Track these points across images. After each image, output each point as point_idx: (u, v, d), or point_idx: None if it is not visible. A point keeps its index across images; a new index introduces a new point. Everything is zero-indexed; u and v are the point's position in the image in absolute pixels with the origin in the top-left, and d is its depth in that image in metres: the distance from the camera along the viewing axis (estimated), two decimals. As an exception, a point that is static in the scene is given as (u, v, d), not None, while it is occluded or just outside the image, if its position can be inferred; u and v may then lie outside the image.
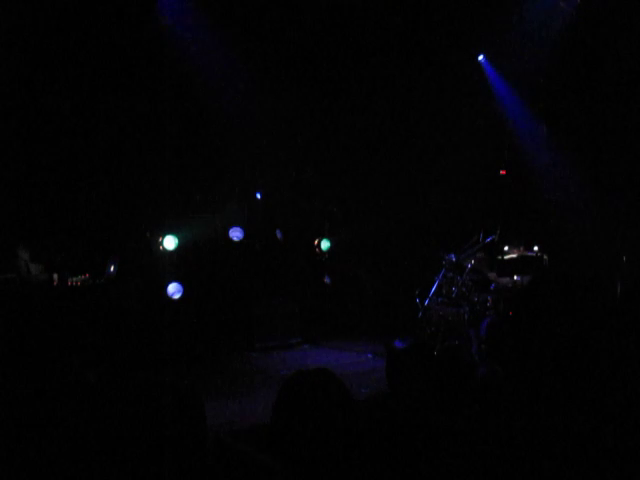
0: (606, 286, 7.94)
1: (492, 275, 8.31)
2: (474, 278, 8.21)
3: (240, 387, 6.94)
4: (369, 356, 8.31)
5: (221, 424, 5.20)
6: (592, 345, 1.93)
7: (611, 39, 8.78)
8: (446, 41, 9.51)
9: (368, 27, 9.54)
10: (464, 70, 9.88)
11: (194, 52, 9.13)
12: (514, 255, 8.47)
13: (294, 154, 10.32)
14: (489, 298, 7.78)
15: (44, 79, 8.27)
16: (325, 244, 10.31)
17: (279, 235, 10.14)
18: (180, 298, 8.79)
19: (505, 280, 8.16)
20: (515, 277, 8.11)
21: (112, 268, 7.89)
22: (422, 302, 8.47)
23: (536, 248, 8.56)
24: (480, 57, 10.38)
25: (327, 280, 10.27)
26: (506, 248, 8.55)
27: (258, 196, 10.23)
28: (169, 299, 8.69)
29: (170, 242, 8.81)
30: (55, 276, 7.54)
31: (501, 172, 9.88)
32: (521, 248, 8.57)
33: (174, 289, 8.77)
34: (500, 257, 8.43)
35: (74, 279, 7.49)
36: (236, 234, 9.69)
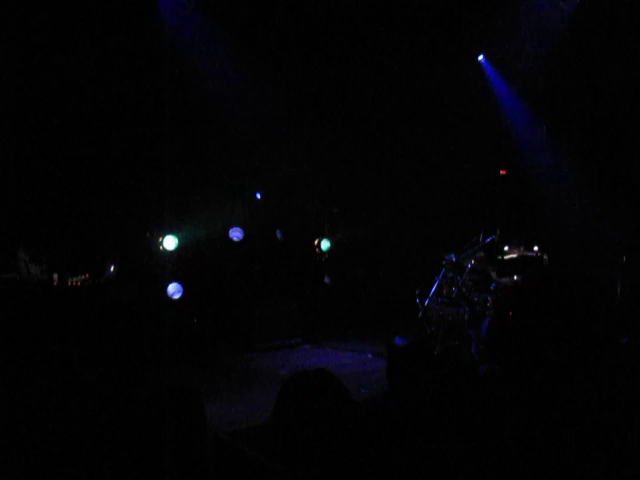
0: (602, 284, 7.94)
1: (495, 274, 8.31)
2: (474, 278, 8.21)
3: (240, 387, 6.93)
4: (369, 356, 8.31)
5: (221, 424, 5.19)
6: (589, 342, 1.93)
7: (611, 39, 8.78)
8: (446, 41, 9.52)
9: (368, 27, 9.54)
10: (464, 70, 9.89)
11: (194, 52, 9.13)
12: (514, 255, 8.47)
13: (294, 154, 10.32)
14: (489, 298, 7.78)
15: (44, 79, 8.27)
16: (325, 244, 10.31)
17: (279, 235, 10.14)
18: (180, 298, 8.79)
19: (505, 280, 8.17)
20: (515, 277, 8.11)
21: (112, 268, 7.88)
22: (422, 302, 8.47)
23: (536, 248, 8.56)
24: (480, 57, 10.39)
25: (327, 280, 10.27)
26: (506, 248, 8.56)
27: (258, 196, 10.23)
28: (169, 299, 8.68)
29: (170, 242, 8.81)
30: (55, 276, 7.54)
31: (501, 172, 9.89)
32: (521, 248, 8.58)
33: (174, 289, 8.77)
34: (500, 257, 8.44)
35: (74, 279, 7.49)
36: (236, 234, 9.69)
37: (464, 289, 8.14)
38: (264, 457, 1.93)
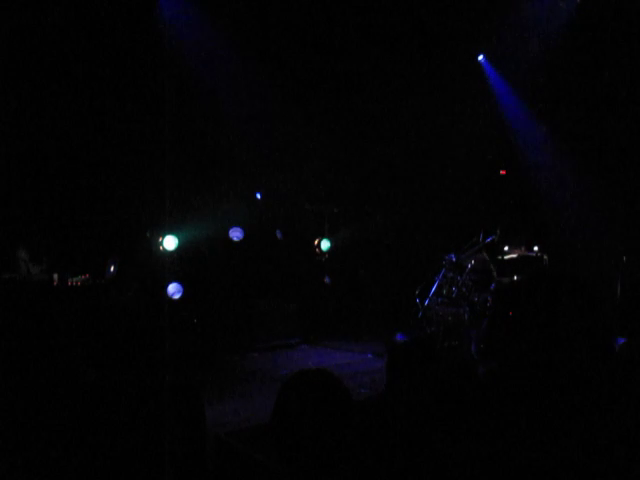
0: (598, 286, 7.94)
1: (495, 274, 8.31)
2: (474, 278, 8.21)
3: (240, 387, 6.93)
4: (369, 356, 8.31)
5: (221, 424, 5.20)
6: (586, 343, 1.93)
7: (611, 39, 8.77)
8: (446, 41, 9.51)
9: (368, 27, 9.54)
10: (464, 70, 9.89)
11: (194, 51, 9.13)
12: (514, 255, 8.48)
13: (294, 154, 10.32)
14: (489, 298, 7.78)
15: (43, 79, 8.27)
16: (325, 244, 10.31)
17: (279, 235, 10.14)
18: (180, 298, 8.79)
19: (505, 280, 8.17)
20: (515, 277, 8.11)
21: (112, 268, 7.88)
22: (422, 302, 8.47)
23: (536, 248, 8.56)
24: (480, 57, 10.39)
25: (327, 280, 10.27)
26: (506, 248, 8.56)
27: (258, 196, 10.23)
28: (169, 299, 8.68)
29: (170, 242, 8.81)
30: (55, 276, 7.54)
31: (501, 172, 9.88)
32: (522, 248, 8.58)
33: (174, 289, 8.77)
34: (500, 257, 8.44)
35: (74, 279, 7.48)
36: (236, 234, 9.69)
37: (464, 289, 8.14)
38: (264, 457, 1.94)
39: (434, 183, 10.35)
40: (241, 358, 8.49)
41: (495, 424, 1.91)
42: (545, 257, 8.42)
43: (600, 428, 1.84)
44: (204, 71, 9.27)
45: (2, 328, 6.26)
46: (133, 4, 8.51)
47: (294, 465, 1.78)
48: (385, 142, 10.60)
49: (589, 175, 9.32)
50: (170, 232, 8.82)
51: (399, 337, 2.70)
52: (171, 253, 8.88)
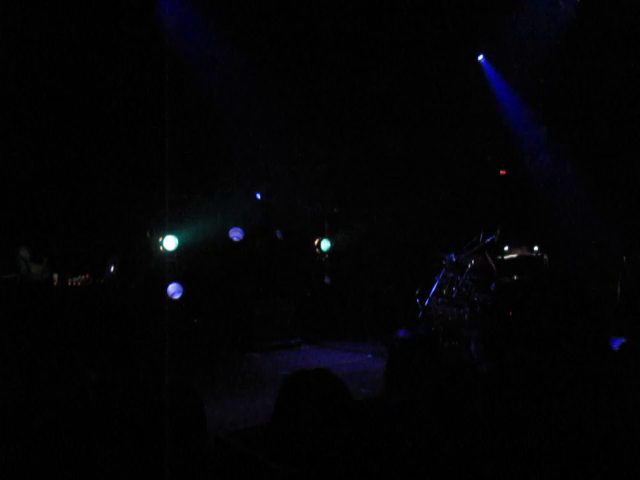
0: (596, 286, 7.94)
1: (495, 274, 8.31)
2: (474, 278, 8.22)
3: (240, 387, 6.93)
4: (369, 356, 8.31)
5: (221, 424, 5.20)
6: (583, 343, 1.93)
7: (611, 39, 8.78)
8: (446, 41, 9.52)
9: (368, 27, 9.54)
10: (464, 70, 9.89)
11: (194, 51, 9.13)
12: (514, 255, 8.47)
13: (294, 154, 10.32)
14: (489, 298, 7.78)
15: (44, 79, 8.27)
16: (325, 244, 10.31)
17: (279, 235, 10.14)
18: (180, 298, 8.79)
19: (505, 280, 8.17)
20: (515, 277, 8.12)
21: (112, 268, 7.89)
22: (422, 302, 8.47)
23: (536, 248, 8.56)
24: (480, 57, 10.39)
25: (327, 280, 10.28)
26: (506, 248, 8.56)
27: (258, 196, 10.23)
28: (169, 299, 8.69)
29: (170, 242, 8.81)
30: (55, 276, 7.55)
31: (501, 172, 9.89)
32: (524, 248, 8.58)
33: (174, 289, 8.77)
34: (500, 257, 8.44)
35: (74, 279, 7.49)
36: (236, 234, 9.69)
37: (464, 289, 8.14)
38: (264, 457, 1.93)
39: (434, 183, 10.35)
40: (241, 358, 8.49)
41: (495, 423, 1.91)
42: (545, 257, 8.42)
43: (599, 426, 1.84)
44: (204, 71, 9.27)
45: (2, 328, 6.27)
46: (133, 3, 8.51)
47: (294, 465, 1.78)
48: (385, 142, 10.61)
49: (589, 175, 9.32)
50: (170, 232, 8.82)
51: (401, 333, 2.68)
52: (171, 253, 8.88)
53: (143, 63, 8.63)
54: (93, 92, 8.57)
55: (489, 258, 8.33)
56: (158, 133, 8.43)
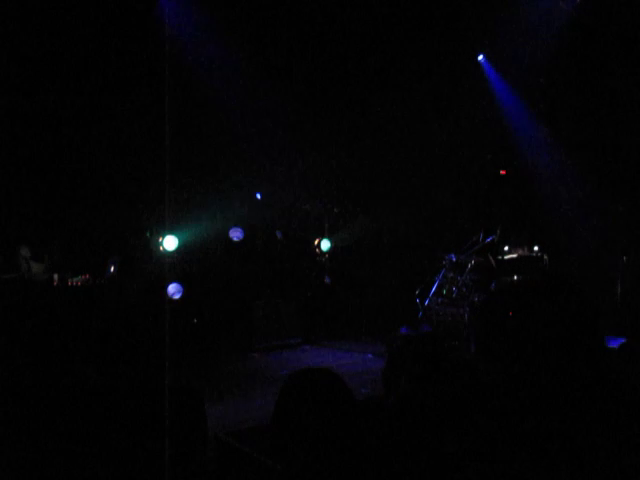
0: (595, 286, 7.94)
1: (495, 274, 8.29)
2: (474, 278, 8.22)
3: (240, 387, 6.94)
4: (369, 356, 8.31)
5: (221, 424, 5.20)
6: (580, 345, 1.94)
7: (611, 39, 8.78)
8: (446, 41, 9.52)
9: (368, 27, 9.54)
10: (464, 70, 9.89)
11: (195, 51, 9.13)
12: (514, 255, 8.48)
13: (294, 154, 10.32)
14: (488, 298, 7.78)
15: (44, 80, 8.27)
16: (325, 244, 10.31)
17: (279, 235, 10.14)
18: (180, 298, 8.79)
19: (505, 280, 8.17)
20: (515, 277, 8.12)
21: (112, 268, 7.89)
22: (422, 302, 8.48)
23: (536, 248, 8.56)
24: (480, 57, 10.39)
25: (327, 280, 10.28)
26: (506, 248, 8.56)
27: (258, 196, 10.23)
28: (169, 299, 8.69)
29: (170, 242, 8.81)
30: (55, 276, 7.55)
31: (501, 172, 9.89)
32: (524, 248, 8.58)
33: (174, 289, 8.77)
34: (500, 257, 8.44)
35: (74, 279, 7.49)
36: (236, 234, 9.69)
37: (464, 289, 8.15)
38: (264, 457, 1.93)
39: (434, 183, 10.34)
40: (241, 358, 8.49)
41: (495, 423, 1.91)
42: (545, 257, 8.42)
43: (598, 427, 1.84)
44: (204, 71, 9.27)
45: (2, 328, 6.27)
46: (133, 3, 8.51)
47: (295, 465, 1.78)
48: (385, 142, 10.60)
49: (589, 175, 9.32)
50: (170, 232, 8.82)
51: (403, 331, 2.65)
52: (171, 253, 8.88)
53: (143, 63, 8.63)
54: (94, 92, 8.57)
55: (490, 258, 8.34)
56: (158, 133, 8.44)
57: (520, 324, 2.02)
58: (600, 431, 1.83)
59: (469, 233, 8.63)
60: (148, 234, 8.96)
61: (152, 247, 8.91)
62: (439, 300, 8.34)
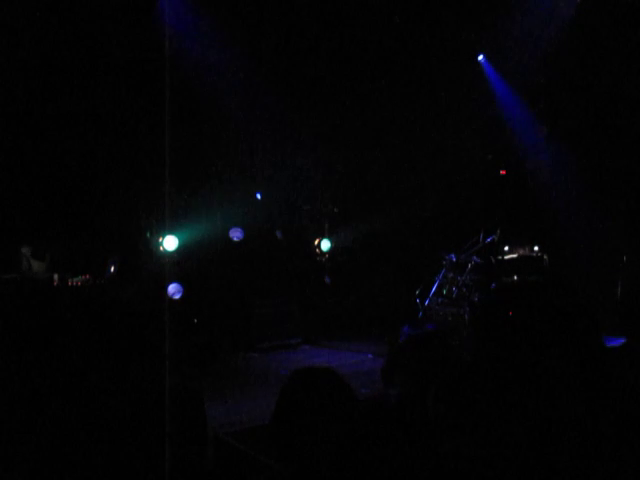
0: (595, 287, 7.93)
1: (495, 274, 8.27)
2: (474, 278, 8.22)
3: (240, 387, 6.94)
4: (369, 356, 8.31)
5: (221, 424, 5.20)
6: (578, 345, 1.94)
7: (611, 39, 8.77)
8: (446, 41, 9.52)
9: (368, 26, 9.54)
10: (464, 70, 9.89)
11: (194, 51, 9.13)
12: (514, 255, 8.48)
13: (294, 154, 10.32)
14: (487, 298, 7.79)
15: (45, 79, 8.27)
16: (325, 244, 10.31)
17: (279, 235, 10.14)
18: (180, 298, 8.79)
19: (506, 280, 8.17)
20: (515, 277, 8.12)
21: (112, 268, 7.89)
22: (422, 302, 8.48)
23: (536, 248, 8.57)
24: (480, 57, 10.39)
25: (327, 280, 10.28)
26: (506, 248, 8.56)
27: (258, 196, 10.23)
28: (169, 299, 8.68)
29: (171, 242, 8.81)
30: (55, 276, 7.55)
31: (501, 172, 9.89)
32: (523, 248, 8.58)
33: (174, 289, 8.77)
34: (500, 257, 8.44)
35: (74, 279, 7.49)
36: (236, 234, 9.69)
37: (464, 289, 8.15)
38: (265, 457, 1.93)
39: (434, 183, 10.35)
40: (241, 358, 8.49)
41: (494, 423, 1.91)
42: (545, 257, 8.42)
43: (598, 426, 1.84)
44: (205, 72, 9.27)
45: (2, 328, 6.26)
46: (133, 3, 8.52)
47: (295, 465, 1.78)
48: (385, 142, 10.61)
49: (589, 175, 9.32)
50: (170, 232, 8.82)
51: (406, 329, 2.62)
52: (172, 253, 8.88)
53: (143, 63, 8.62)
54: (95, 92, 8.57)
55: (488, 259, 8.34)
56: (159, 133, 8.44)
57: (520, 324, 2.02)
58: (600, 431, 1.83)
59: (469, 233, 8.62)
60: (148, 234, 8.96)
61: (152, 247, 8.91)
62: (439, 300, 8.34)
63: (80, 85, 8.49)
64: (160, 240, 8.80)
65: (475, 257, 8.32)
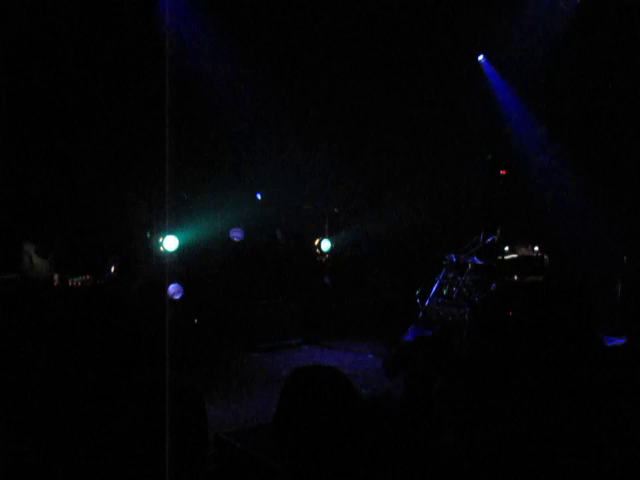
0: (595, 287, 7.93)
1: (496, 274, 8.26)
2: (474, 278, 8.22)
3: (241, 388, 6.94)
4: (369, 356, 8.31)
5: (222, 424, 5.20)
6: (577, 345, 1.94)
7: (611, 39, 8.78)
8: (446, 41, 9.52)
9: (367, 27, 9.54)
10: (464, 70, 9.89)
11: (194, 51, 9.13)
12: (515, 255, 8.48)
13: (294, 154, 10.32)
14: (487, 298, 7.78)
15: (45, 78, 8.27)
16: (326, 244, 10.31)
17: (279, 235, 10.14)
18: (180, 298, 8.79)
19: (506, 280, 8.17)
20: (515, 277, 8.12)
21: (113, 269, 7.89)
22: (422, 302, 8.47)
23: (536, 248, 8.57)
24: (480, 57, 10.39)
25: (327, 280, 10.27)
26: (506, 248, 8.56)
27: (258, 196, 10.23)
28: (170, 299, 8.68)
29: (171, 242, 8.81)
30: (56, 276, 7.55)
31: (501, 172, 9.89)
32: (524, 248, 8.58)
33: (174, 289, 8.76)
34: (500, 257, 8.44)
35: (75, 279, 7.49)
36: (236, 234, 9.69)
37: (464, 289, 8.15)
38: (265, 457, 1.93)
39: (434, 183, 10.34)
40: (242, 358, 8.49)
41: (494, 423, 1.91)
42: (545, 257, 8.42)
43: (598, 426, 1.84)
44: (205, 72, 9.27)
45: (2, 328, 6.26)
46: (133, 3, 8.52)
47: (296, 465, 1.77)
48: (385, 142, 10.61)
49: (589, 175, 9.32)
50: (171, 232, 8.81)
51: (411, 330, 2.64)
52: (172, 253, 8.88)
53: (142, 62, 8.63)
54: (95, 92, 8.57)
55: (489, 259, 8.34)
56: (159, 133, 8.44)
57: (520, 324, 2.02)
58: (600, 430, 1.83)
59: (469, 233, 8.62)
60: (148, 234, 8.95)
61: (152, 247, 8.91)
62: (439, 300, 8.34)
63: (80, 85, 8.49)
64: (160, 240, 8.80)
65: (475, 257, 8.33)
